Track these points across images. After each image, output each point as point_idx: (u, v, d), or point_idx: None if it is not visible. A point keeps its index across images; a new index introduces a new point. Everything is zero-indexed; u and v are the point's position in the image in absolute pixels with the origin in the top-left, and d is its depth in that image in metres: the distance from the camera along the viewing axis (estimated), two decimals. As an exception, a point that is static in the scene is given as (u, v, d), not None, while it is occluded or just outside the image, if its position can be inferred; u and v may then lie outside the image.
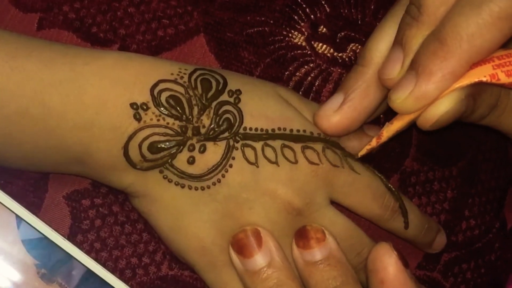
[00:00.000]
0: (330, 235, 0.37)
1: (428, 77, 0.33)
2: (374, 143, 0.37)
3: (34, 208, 0.38)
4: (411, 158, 0.43)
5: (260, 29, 0.43)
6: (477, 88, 0.34)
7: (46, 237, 0.35)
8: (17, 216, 0.35)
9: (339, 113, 0.37)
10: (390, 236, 0.40)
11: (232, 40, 0.43)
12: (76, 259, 0.35)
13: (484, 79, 0.33)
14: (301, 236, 0.37)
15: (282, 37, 0.43)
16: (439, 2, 0.33)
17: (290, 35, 0.43)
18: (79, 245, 0.38)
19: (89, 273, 0.35)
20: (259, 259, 0.36)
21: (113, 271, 0.37)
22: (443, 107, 0.33)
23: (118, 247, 0.39)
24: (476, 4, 0.31)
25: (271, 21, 0.43)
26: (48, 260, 0.35)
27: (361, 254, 0.38)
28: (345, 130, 0.38)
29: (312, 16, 0.44)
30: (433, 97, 0.33)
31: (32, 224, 0.35)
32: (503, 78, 0.33)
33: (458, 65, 0.32)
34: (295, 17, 0.43)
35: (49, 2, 0.42)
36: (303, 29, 0.43)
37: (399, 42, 0.35)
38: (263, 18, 0.43)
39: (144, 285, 0.38)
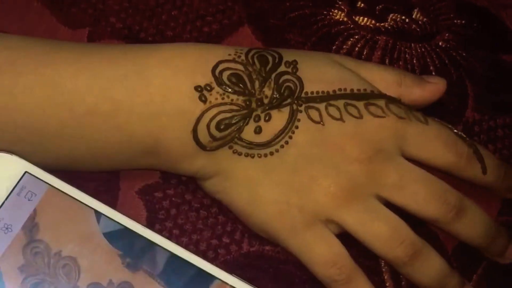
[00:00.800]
0: None
1: None
2: None
3: (110, 206, 0.38)
4: (471, 109, 0.43)
5: (301, 12, 0.44)
6: None
7: (126, 228, 0.35)
8: (96, 211, 0.35)
9: None
10: (467, 186, 0.40)
11: (276, 25, 0.44)
12: (159, 245, 0.35)
13: None
14: None
15: (323, 16, 0.44)
16: None
17: (330, 13, 0.44)
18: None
19: (173, 257, 0.35)
20: None
21: (195, 253, 0.37)
22: None
23: (197, 231, 0.39)
24: None
25: (310, 4, 0.45)
26: (131, 249, 0.35)
27: (448, 201, 0.37)
28: None
29: (348, -6, 0.45)
30: None
31: (111, 217, 0.35)
32: None
33: None
34: (332, -3, 0.45)
35: (96, 16, 0.44)
36: (342, 7, 0.45)
37: None
38: (301, 3, 0.45)
39: (228, 264, 0.38)
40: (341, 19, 0.44)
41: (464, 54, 0.45)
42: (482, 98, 0.44)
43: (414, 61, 0.44)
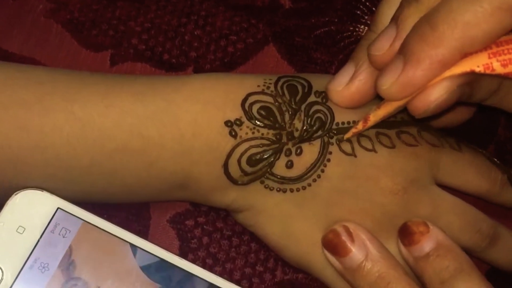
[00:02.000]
0: (434, 225, 0.36)
1: (416, 64, 0.30)
2: (360, 126, 0.36)
3: (142, 235, 0.38)
4: (502, 127, 0.43)
5: (327, 29, 0.44)
6: (475, 76, 0.31)
7: (163, 260, 0.35)
8: (131, 245, 0.35)
9: (349, 87, 0.36)
10: (499, 211, 0.40)
11: (302, 44, 0.43)
12: (197, 276, 0.35)
13: (477, 70, 0.30)
14: (404, 233, 0.36)
15: (349, 33, 0.44)
16: None
17: (357, 29, 0.44)
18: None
19: (212, 287, 0.35)
20: (355, 255, 0.35)
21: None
22: (432, 97, 0.31)
23: (230, 260, 0.39)
24: None
25: (336, 20, 0.44)
26: (169, 281, 0.35)
27: (481, 231, 0.37)
28: (358, 103, 0.37)
29: (373, 8, 0.44)
30: (419, 85, 0.31)
31: (148, 250, 0.35)
32: (499, 69, 0.30)
33: (449, 53, 0.30)
34: (358, 12, 0.44)
35: (117, 38, 0.43)
36: (368, 21, 0.44)
37: (395, 18, 0.33)
38: (327, 19, 0.44)
39: (263, 293, 0.38)
40: (368, 35, 0.43)
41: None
42: (513, 116, 0.43)
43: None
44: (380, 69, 0.33)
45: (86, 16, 0.44)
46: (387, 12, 0.35)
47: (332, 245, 0.36)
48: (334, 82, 0.37)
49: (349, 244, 0.35)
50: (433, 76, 0.31)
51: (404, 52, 0.31)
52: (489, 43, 0.30)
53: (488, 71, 0.30)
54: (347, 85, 0.36)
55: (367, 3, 0.44)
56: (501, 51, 0.30)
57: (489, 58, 0.30)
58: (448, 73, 0.31)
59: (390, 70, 0.32)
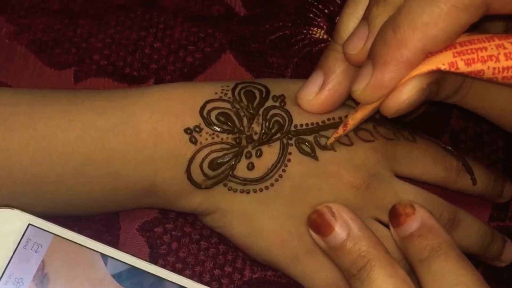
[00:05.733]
0: (420, 207, 0.37)
1: (383, 67, 0.32)
2: (341, 131, 0.37)
3: (112, 245, 0.39)
4: (455, 117, 0.44)
5: (281, 33, 0.45)
6: (441, 74, 0.33)
7: (133, 267, 0.36)
8: (102, 254, 0.36)
9: (320, 97, 0.38)
10: (457, 196, 0.41)
11: (258, 49, 0.45)
12: (167, 280, 0.36)
13: (443, 67, 0.32)
14: (392, 215, 0.37)
15: (303, 36, 0.45)
16: None
17: (310, 32, 0.45)
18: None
19: (182, 289, 0.36)
20: (338, 234, 0.36)
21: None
22: (403, 96, 0.33)
23: (199, 263, 0.40)
24: None
25: (289, 24, 0.45)
26: (141, 287, 0.36)
27: (443, 216, 0.39)
28: (328, 110, 0.38)
29: (326, 10, 0.46)
30: (390, 87, 0.33)
31: (118, 258, 0.36)
32: (462, 67, 0.32)
33: (412, 54, 0.31)
34: (310, 15, 0.46)
35: (80, 55, 0.44)
36: (321, 24, 0.45)
37: (366, 18, 0.34)
38: (281, 23, 0.45)
39: (233, 293, 0.39)
40: (321, 37, 0.45)
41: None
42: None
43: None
44: (357, 66, 0.35)
45: (48, 36, 0.45)
46: (349, 22, 0.37)
47: (316, 224, 0.37)
48: (304, 92, 0.38)
49: (332, 223, 0.36)
50: (401, 77, 0.32)
51: (372, 57, 0.33)
52: (450, 41, 0.32)
53: (453, 69, 0.32)
54: (317, 94, 0.38)
55: (320, 6, 0.46)
56: (465, 50, 0.32)
57: (454, 56, 0.32)
58: (415, 72, 0.32)
59: (361, 76, 0.33)
